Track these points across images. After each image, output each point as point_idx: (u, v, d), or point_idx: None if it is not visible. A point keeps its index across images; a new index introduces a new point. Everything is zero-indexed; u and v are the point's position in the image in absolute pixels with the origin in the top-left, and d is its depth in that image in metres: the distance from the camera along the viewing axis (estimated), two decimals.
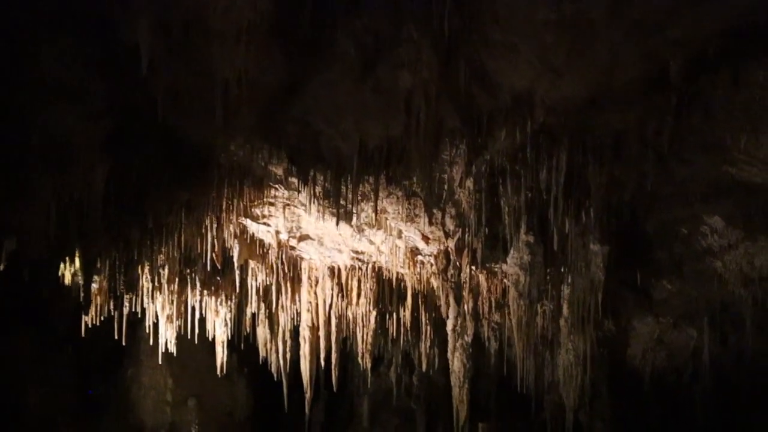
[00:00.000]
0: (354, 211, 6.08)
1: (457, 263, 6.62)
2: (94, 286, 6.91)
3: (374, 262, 7.46)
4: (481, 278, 6.97)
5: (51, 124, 5.18)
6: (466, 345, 7.19)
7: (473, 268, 6.67)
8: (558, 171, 5.77)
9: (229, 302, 7.79)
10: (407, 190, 6.01)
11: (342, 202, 5.94)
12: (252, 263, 7.43)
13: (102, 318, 7.13)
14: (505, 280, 6.95)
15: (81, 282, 6.70)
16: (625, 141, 5.66)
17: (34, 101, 5.07)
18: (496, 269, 6.84)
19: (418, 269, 7.21)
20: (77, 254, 6.39)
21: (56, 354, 8.72)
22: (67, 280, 7.50)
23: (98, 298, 6.93)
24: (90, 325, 7.15)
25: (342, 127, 5.25)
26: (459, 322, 7.01)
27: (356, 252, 7.30)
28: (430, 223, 6.31)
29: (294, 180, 6.02)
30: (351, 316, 7.82)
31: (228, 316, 7.84)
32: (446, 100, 5.01)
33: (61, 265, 7.17)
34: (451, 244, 6.51)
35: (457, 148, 5.61)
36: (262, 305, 7.98)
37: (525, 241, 6.29)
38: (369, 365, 8.10)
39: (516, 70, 4.97)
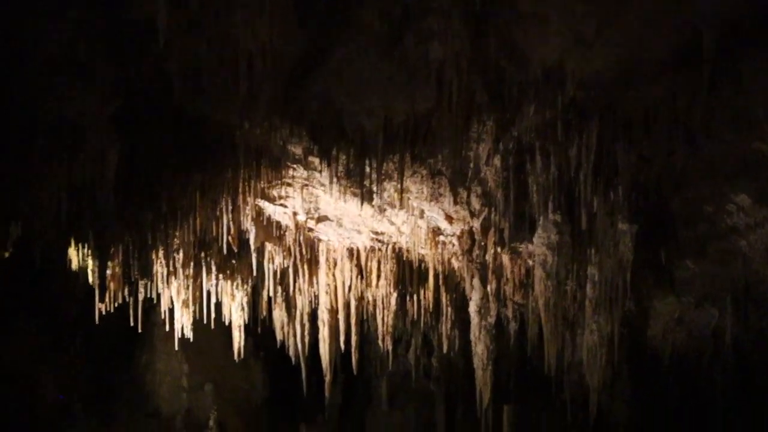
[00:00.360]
0: (376, 190, 5.87)
1: (482, 243, 6.42)
2: (108, 272, 6.72)
3: (394, 243, 7.27)
4: (505, 258, 6.77)
5: (59, 105, 4.95)
6: (489, 327, 7.02)
7: (498, 248, 6.47)
8: (588, 148, 5.57)
9: (245, 286, 7.62)
10: (432, 168, 5.79)
11: (364, 181, 5.73)
12: (269, 246, 7.24)
13: (116, 304, 6.96)
14: (529, 261, 6.77)
15: (95, 268, 6.52)
16: (656, 116, 5.45)
17: (41, 82, 4.86)
18: (520, 249, 6.64)
19: (440, 250, 7.02)
20: (90, 240, 6.18)
21: (68, 341, 8.60)
22: (75, 266, 7.35)
23: (112, 284, 6.75)
24: (104, 312, 6.98)
25: (366, 103, 5.01)
26: (483, 303, 6.83)
27: (376, 233, 7.11)
28: (455, 203, 6.09)
29: (314, 159, 5.80)
30: (370, 298, 7.65)
31: (244, 299, 7.68)
32: (476, 73, 4.80)
33: (71, 251, 7.02)
34: (476, 223, 6.31)
35: (485, 124, 5.39)
36: (279, 288, 7.81)
37: (552, 220, 6.09)
38: (390, 348, 7.95)
39: (546, 42, 4.74)
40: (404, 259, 7.48)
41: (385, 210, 6.48)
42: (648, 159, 5.86)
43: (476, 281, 6.71)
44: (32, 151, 4.95)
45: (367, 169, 5.54)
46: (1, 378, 8.04)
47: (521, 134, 5.52)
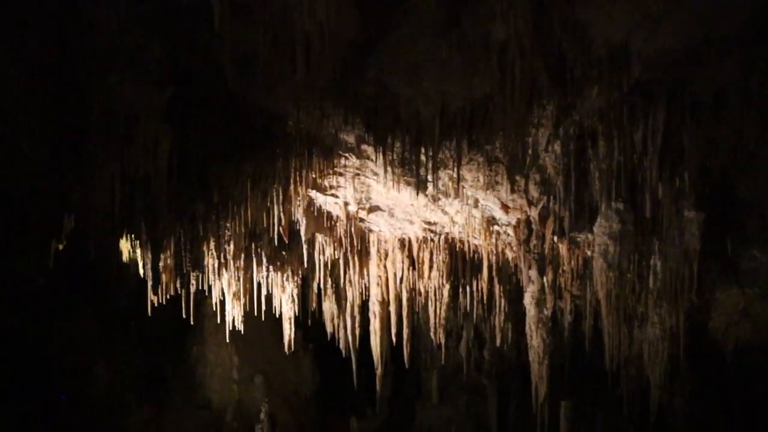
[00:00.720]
0: (430, 179, 5.69)
1: (540, 233, 6.19)
2: (160, 264, 6.72)
3: (447, 233, 7.09)
4: (562, 248, 6.53)
5: (112, 94, 4.92)
6: (546, 319, 6.80)
7: (556, 238, 6.24)
8: (654, 132, 5.30)
9: (295, 277, 7.55)
10: (489, 155, 5.59)
11: (417, 170, 5.57)
12: (319, 237, 7.15)
13: (168, 296, 6.96)
14: (587, 251, 6.52)
15: (147, 260, 6.52)
16: (726, 97, 5.16)
17: (94, 70, 4.83)
18: (579, 239, 6.40)
19: (494, 240, 6.82)
20: (142, 232, 6.17)
21: (121, 332, 8.67)
22: (126, 257, 7.38)
23: (164, 276, 6.74)
24: (156, 304, 6.99)
25: (422, 88, 4.83)
26: (539, 295, 6.61)
27: (428, 223, 6.94)
28: (512, 191, 5.88)
29: (367, 148, 5.66)
30: (422, 290, 7.50)
31: (294, 291, 7.60)
32: (538, 55, 4.58)
33: (122, 242, 7.05)
34: (533, 212, 6.08)
35: (545, 108, 5.16)
36: (329, 280, 7.72)
37: (615, 209, 5.83)
38: (442, 340, 7.79)
39: (611, 19, 4.50)
40: (457, 249, 7.30)
41: (438, 199, 6.31)
42: (716, 142, 5.57)
43: (533, 272, 6.48)
44: (86, 142, 4.92)
45: (422, 158, 5.37)
46: (57, 366, 8.16)
47: (583, 118, 5.28)
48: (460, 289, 7.66)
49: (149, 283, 6.76)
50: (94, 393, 8.32)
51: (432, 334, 7.80)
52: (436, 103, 4.91)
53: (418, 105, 4.93)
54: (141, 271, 7.12)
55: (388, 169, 5.61)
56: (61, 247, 7.54)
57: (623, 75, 4.84)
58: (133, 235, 6.53)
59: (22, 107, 4.81)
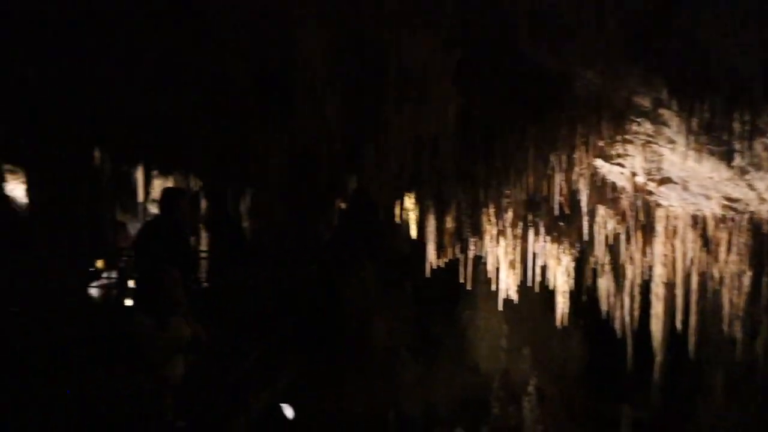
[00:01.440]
0: (740, 148, 5.02)
1: None
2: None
3: (752, 213, 6.21)
4: None
5: (407, 54, 5.08)
6: None
7: None
8: None
9: (572, 250, 7.26)
10: None
11: (726, 137, 4.94)
12: (600, 209, 6.77)
13: (446, 260, 7.18)
14: None
15: (430, 223, 6.77)
16: None
17: (390, 30, 4.99)
18: None
19: None
20: (426, 194, 6.41)
21: (398, 289, 9.13)
22: (399, 218, 7.70)
23: (445, 239, 6.96)
24: (434, 267, 7.25)
25: (741, 38, 4.22)
26: None
27: (729, 199, 6.15)
28: None
29: (664, 112, 5.16)
30: (716, 275, 6.71)
31: (570, 265, 7.33)
32: None
33: (402, 203, 7.37)
34: None
35: None
36: (608, 255, 7.30)
37: None
38: (740, 334, 6.94)
39: None
40: (764, 232, 6.37)
41: (747, 172, 5.53)
42: None
43: None
44: (382, 103, 5.18)
45: (735, 124, 4.73)
46: (340, 320, 8.90)
47: None
48: (764, 278, 6.71)
49: (430, 246, 7.01)
50: (372, 345, 8.91)
51: (725, 325, 6.96)
52: (757, 56, 4.26)
53: (735, 59, 4.32)
54: (413, 233, 7.43)
55: (690, 136, 5.07)
56: (343, 206, 8.21)
57: None
58: (415, 196, 6.80)
59: (325, 75, 5.20)
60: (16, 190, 7.08)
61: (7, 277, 5.05)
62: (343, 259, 8.70)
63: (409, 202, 7.51)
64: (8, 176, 6.72)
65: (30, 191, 5.82)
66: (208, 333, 3.12)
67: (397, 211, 7.48)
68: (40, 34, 4.71)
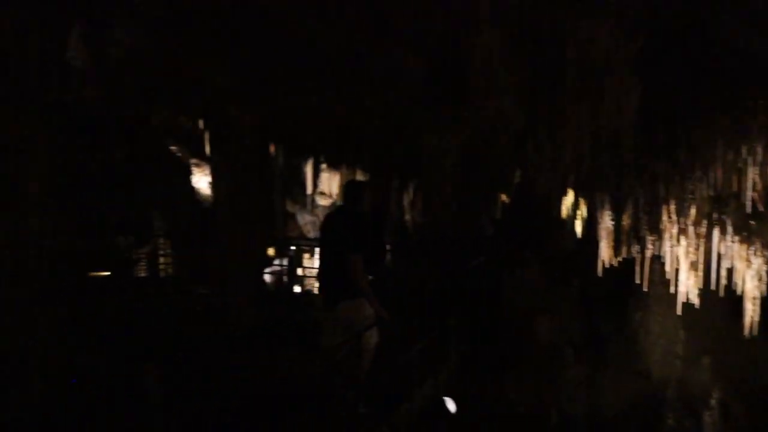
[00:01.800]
0: None
1: None
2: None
3: None
4: None
5: (585, 41, 4.88)
6: None
7: None
8: None
9: (765, 252, 6.58)
10: None
11: None
12: None
13: (620, 259, 6.81)
14: None
15: (602, 220, 6.45)
16: None
17: (565, 24, 4.85)
18: None
19: None
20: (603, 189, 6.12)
21: (564, 287, 8.84)
22: (564, 214, 7.40)
23: (620, 237, 6.59)
24: (606, 265, 6.90)
25: None
26: None
27: None
28: None
29: None
30: None
31: (763, 268, 6.65)
32: None
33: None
34: None
35: None
36: None
37: None
38: None
39: None
40: None
41: None
42: None
43: None
44: (559, 96, 5.02)
45: None
46: (503, 315, 8.75)
47: None
48: None
49: (603, 243, 6.68)
50: (536, 344, 8.69)
51: None
52: None
53: None
54: (578, 230, 7.12)
55: None
56: (506, 199, 8.05)
57: None
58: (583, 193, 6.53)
59: (501, 69, 5.12)
60: (200, 182, 7.68)
61: (195, 263, 5.48)
62: (507, 253, 8.58)
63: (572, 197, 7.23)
64: (194, 169, 7.30)
65: (214, 184, 6.27)
66: (389, 316, 3.18)
67: (562, 207, 7.23)
68: (224, 37, 5.02)
